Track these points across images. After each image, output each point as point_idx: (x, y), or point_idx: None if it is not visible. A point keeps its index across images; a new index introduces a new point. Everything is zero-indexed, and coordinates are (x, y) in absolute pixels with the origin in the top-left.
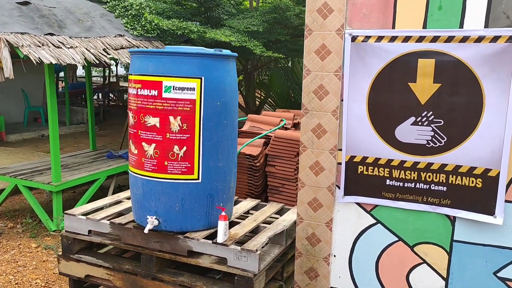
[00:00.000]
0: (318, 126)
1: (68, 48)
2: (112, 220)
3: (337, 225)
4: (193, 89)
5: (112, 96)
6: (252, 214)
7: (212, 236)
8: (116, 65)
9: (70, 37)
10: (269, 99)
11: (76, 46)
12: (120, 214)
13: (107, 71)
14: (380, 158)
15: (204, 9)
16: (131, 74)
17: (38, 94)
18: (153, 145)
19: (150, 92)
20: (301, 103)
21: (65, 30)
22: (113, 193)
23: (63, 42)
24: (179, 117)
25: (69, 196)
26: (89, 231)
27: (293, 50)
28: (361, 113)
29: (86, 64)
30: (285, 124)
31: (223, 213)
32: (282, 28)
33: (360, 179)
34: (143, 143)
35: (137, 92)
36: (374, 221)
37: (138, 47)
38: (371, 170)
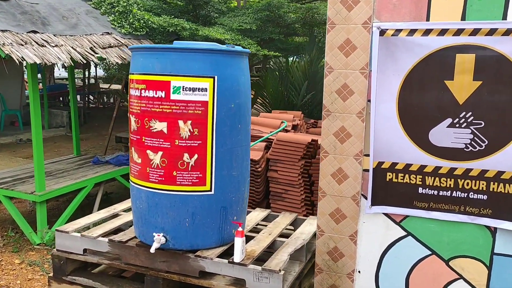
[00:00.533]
0: (341, 129)
1: (53, 46)
2: (111, 238)
3: (362, 238)
4: (205, 89)
5: (92, 98)
6: (265, 226)
7: (226, 254)
8: (96, 66)
9: (54, 35)
10: (261, 99)
11: (62, 45)
12: (118, 230)
13: (86, 72)
14: (412, 164)
15: (192, 6)
16: (133, 74)
17: (15, 96)
18: (160, 153)
19: (156, 94)
20: (322, 104)
21: (49, 27)
22: (101, 201)
23: (47, 40)
24: (189, 122)
25: (52, 205)
26: (85, 250)
27: (285, 49)
28: (390, 114)
29: (72, 64)
30: (286, 126)
31: (240, 229)
32: (274, 27)
33: (389, 188)
34: (148, 151)
35: (140, 93)
36: (404, 233)
37: (127, 46)
38: (401, 177)
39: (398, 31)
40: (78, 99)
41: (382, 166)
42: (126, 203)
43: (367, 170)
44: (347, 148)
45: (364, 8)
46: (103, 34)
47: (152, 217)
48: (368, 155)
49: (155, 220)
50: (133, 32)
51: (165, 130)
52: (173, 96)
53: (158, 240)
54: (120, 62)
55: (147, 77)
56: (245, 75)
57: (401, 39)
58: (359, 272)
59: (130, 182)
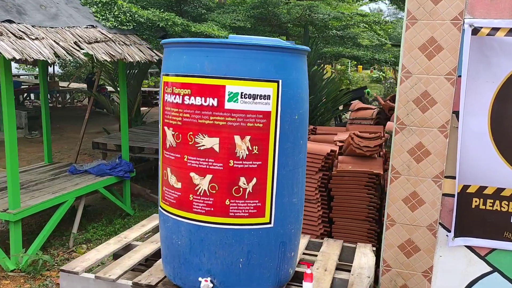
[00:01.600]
0: (418, 146)
1: (33, 39)
2: (136, 281)
3: (438, 274)
4: (268, 97)
5: (50, 97)
6: (312, 256)
7: None
8: (53, 64)
9: (33, 26)
10: None
11: (43, 38)
12: (140, 267)
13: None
14: (504, 189)
15: (176, 1)
16: (168, 75)
17: None
18: (209, 176)
19: (205, 101)
20: (395, 116)
21: (26, 17)
22: (82, 217)
23: (25, 32)
24: (247, 137)
25: (23, 221)
26: None
27: None
28: (480, 129)
29: (57, 61)
30: None
31: (308, 270)
32: (266, 25)
33: (475, 216)
34: (193, 174)
35: (182, 100)
36: (489, 268)
37: (115, 42)
38: (490, 204)
39: (495, 30)
40: (32, 98)
41: (468, 191)
42: (137, 230)
43: (449, 195)
44: (424, 169)
45: (454, 0)
46: (87, 27)
47: (195, 257)
48: (450, 177)
49: (199, 260)
50: (119, 26)
51: (216, 148)
52: (228, 105)
53: (206, 286)
54: (109, 59)
55: (193, 80)
56: (307, 79)
57: (498, 40)
58: None
59: (162, 210)
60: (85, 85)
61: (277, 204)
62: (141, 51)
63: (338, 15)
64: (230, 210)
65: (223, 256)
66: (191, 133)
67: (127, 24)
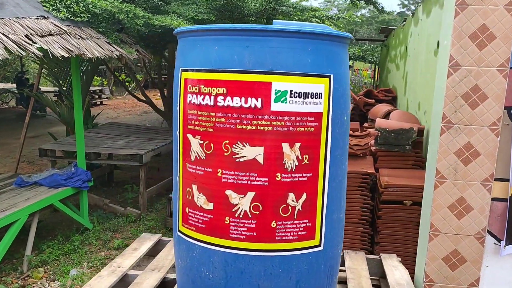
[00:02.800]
0: (466, 146)
1: None
2: None
3: (484, 286)
4: (320, 95)
5: None
6: (342, 272)
7: None
8: None
9: None
10: None
11: None
12: None
13: None
14: None
15: None
16: (193, 71)
17: None
18: (251, 194)
19: (246, 103)
20: (441, 114)
21: None
22: (35, 236)
23: None
24: (297, 144)
25: None
26: None
27: None
28: None
29: (8, 57)
30: None
31: None
32: (226, 19)
33: None
34: (229, 192)
35: (215, 101)
36: None
37: (70, 35)
38: None
39: None
40: None
41: None
42: (130, 255)
43: (498, 199)
44: (472, 172)
45: None
46: (38, 18)
47: None
48: (499, 180)
49: None
50: (72, 18)
51: (260, 159)
52: (275, 106)
53: None
54: (66, 55)
55: (229, 76)
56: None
57: None
58: None
59: (183, 237)
60: (13, 85)
61: (327, 222)
62: (99, 46)
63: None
64: (277, 234)
65: None
66: (227, 141)
67: (81, 15)
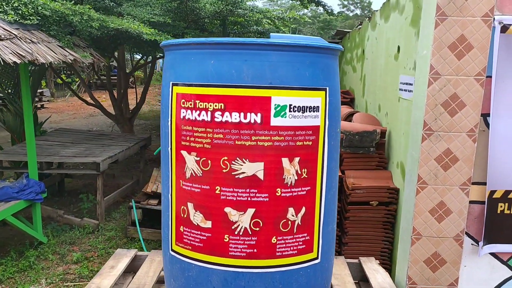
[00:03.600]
0: (446, 152)
1: None
2: None
3: (463, 285)
4: (317, 108)
5: None
6: None
7: None
8: None
9: None
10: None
11: None
12: None
13: None
14: None
15: None
16: (186, 85)
17: None
18: (251, 211)
19: (246, 118)
20: (423, 121)
21: None
22: None
23: None
24: (297, 159)
25: None
26: None
27: None
28: (506, 131)
29: None
30: None
31: None
32: (180, 21)
33: (500, 221)
34: (229, 209)
35: (212, 117)
36: (511, 273)
37: (21, 39)
38: None
39: None
40: None
41: (494, 196)
42: (108, 274)
43: (475, 202)
44: (451, 176)
45: None
46: None
47: None
48: (476, 184)
49: None
50: (21, 21)
51: (260, 175)
52: (274, 121)
53: None
54: (18, 61)
55: (227, 91)
56: None
57: None
58: None
59: (178, 256)
60: None
61: (323, 234)
62: (51, 50)
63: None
64: (277, 249)
65: None
66: (225, 158)
67: (30, 18)
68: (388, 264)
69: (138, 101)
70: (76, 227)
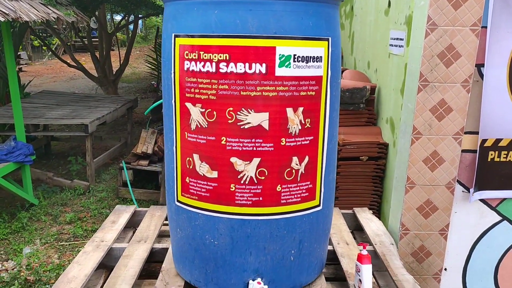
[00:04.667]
0: (440, 103)
1: None
2: None
3: (453, 230)
4: (320, 58)
5: None
6: None
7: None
8: None
9: None
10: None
11: None
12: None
13: None
14: None
15: None
16: (189, 36)
17: None
18: (256, 160)
19: (251, 68)
20: (419, 73)
21: None
22: None
23: None
24: (300, 109)
25: None
26: None
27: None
28: (498, 82)
29: None
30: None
31: (365, 252)
32: None
33: (490, 168)
34: (235, 159)
35: (217, 68)
36: (499, 218)
37: None
38: (504, 156)
39: None
40: None
41: (485, 145)
42: (110, 229)
43: (467, 151)
44: (445, 126)
45: None
46: None
47: (238, 257)
48: (469, 133)
49: (244, 260)
50: None
51: (265, 125)
52: (279, 71)
53: None
54: (3, 19)
55: (232, 42)
56: None
57: None
58: (445, 269)
59: (184, 206)
60: None
61: (325, 183)
62: (34, 8)
63: None
64: (282, 197)
65: (274, 250)
66: (230, 109)
67: None
68: (377, 217)
69: (121, 62)
70: (67, 188)
